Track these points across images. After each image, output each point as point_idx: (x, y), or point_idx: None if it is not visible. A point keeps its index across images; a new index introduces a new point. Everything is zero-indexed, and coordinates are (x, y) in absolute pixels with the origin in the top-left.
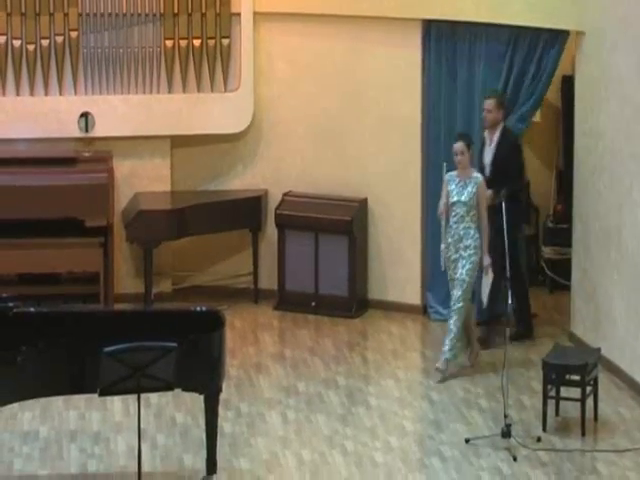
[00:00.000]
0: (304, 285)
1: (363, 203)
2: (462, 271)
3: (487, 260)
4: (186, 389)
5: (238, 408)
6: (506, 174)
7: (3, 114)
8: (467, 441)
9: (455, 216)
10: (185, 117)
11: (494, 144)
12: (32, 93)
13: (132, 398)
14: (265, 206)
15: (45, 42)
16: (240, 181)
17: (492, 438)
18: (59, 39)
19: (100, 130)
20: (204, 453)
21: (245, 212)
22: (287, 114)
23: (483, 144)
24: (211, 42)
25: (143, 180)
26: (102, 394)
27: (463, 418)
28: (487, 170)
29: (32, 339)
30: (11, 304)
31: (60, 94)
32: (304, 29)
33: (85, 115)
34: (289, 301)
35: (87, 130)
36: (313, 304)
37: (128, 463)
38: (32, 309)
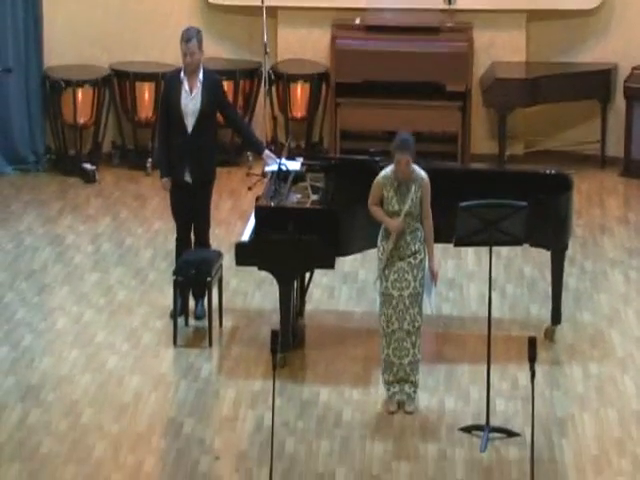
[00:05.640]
0: None
1: None
2: (415, 284)
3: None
4: (534, 245)
5: (582, 265)
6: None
7: None
8: None
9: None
10: None
11: (198, 89)
12: None
13: (484, 250)
14: (614, 79)
15: None
16: (591, 54)
17: None
18: None
19: (462, 3)
20: (549, 304)
21: (595, 84)
22: None
23: (177, 92)
24: None
25: (500, 50)
26: (457, 244)
27: None
28: (191, 120)
29: None
30: (377, 158)
31: None
32: None
33: None
34: (634, 168)
35: (450, 2)
36: None
37: (479, 309)
38: None
